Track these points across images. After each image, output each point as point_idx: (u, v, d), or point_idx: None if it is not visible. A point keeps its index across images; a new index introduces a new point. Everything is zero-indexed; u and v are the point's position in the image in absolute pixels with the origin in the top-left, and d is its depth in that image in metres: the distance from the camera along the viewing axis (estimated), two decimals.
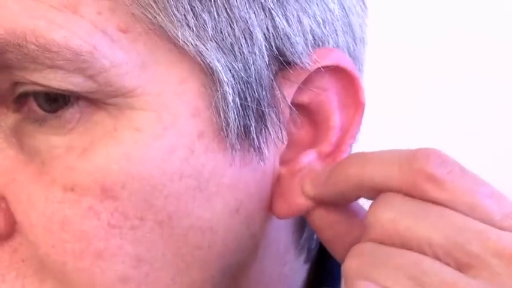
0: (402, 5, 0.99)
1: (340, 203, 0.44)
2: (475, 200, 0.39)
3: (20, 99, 0.42)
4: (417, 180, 0.40)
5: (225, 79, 0.42)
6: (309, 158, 0.45)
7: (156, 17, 0.40)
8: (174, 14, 0.40)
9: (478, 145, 1.01)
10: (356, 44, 0.48)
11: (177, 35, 0.41)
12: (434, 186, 0.39)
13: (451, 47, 0.99)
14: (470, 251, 0.38)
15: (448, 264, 0.38)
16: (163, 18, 0.40)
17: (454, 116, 1.02)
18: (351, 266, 0.40)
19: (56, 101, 0.41)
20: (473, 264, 0.38)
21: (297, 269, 0.50)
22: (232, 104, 0.42)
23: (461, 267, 0.38)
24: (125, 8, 0.40)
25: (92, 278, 0.42)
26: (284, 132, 0.45)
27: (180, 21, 0.41)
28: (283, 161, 0.46)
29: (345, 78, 0.46)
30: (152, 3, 0.40)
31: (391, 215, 0.40)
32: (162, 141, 0.41)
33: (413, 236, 0.39)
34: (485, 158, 1.01)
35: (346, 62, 0.45)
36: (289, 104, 0.44)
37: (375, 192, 0.41)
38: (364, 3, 0.50)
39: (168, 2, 0.40)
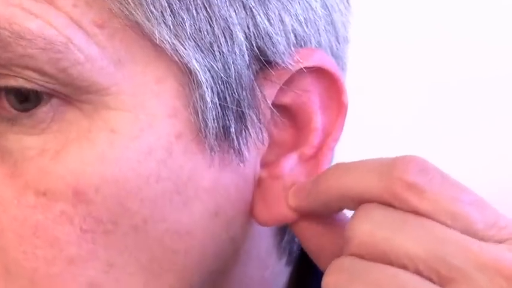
0: (388, 3, 0.98)
1: (323, 215, 0.43)
2: (456, 209, 0.38)
3: None
4: (397, 189, 0.39)
5: (203, 79, 0.41)
6: (290, 162, 0.45)
7: (132, 13, 0.40)
8: (150, 11, 0.40)
9: (468, 147, 1.01)
10: (339, 43, 0.47)
11: (153, 33, 0.40)
12: (414, 195, 0.38)
13: (440, 45, 0.99)
14: (451, 264, 0.37)
15: (429, 278, 0.37)
16: (140, 15, 0.40)
17: (444, 116, 1.01)
18: (329, 282, 0.39)
19: (27, 100, 0.40)
20: (455, 278, 0.37)
21: (279, 272, 0.50)
22: (210, 104, 0.41)
23: (442, 281, 0.37)
24: (102, 2, 0.40)
25: (62, 284, 0.41)
26: (265, 134, 0.44)
27: (156, 19, 0.40)
28: (264, 164, 0.45)
29: (328, 80, 0.45)
30: None
31: (369, 228, 0.39)
32: (138, 142, 0.40)
33: (392, 249, 0.38)
34: (476, 160, 1.00)
35: (328, 63, 0.45)
36: (270, 105, 0.43)
37: (356, 203, 0.40)
38: (347, 1, 0.49)
39: None
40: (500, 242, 0.38)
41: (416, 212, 0.38)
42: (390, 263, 0.38)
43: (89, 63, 0.39)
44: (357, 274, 0.38)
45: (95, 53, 0.39)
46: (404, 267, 0.38)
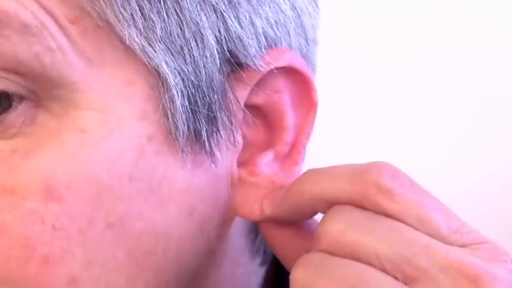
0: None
1: (297, 220, 0.44)
2: (424, 213, 0.39)
3: None
4: (368, 191, 0.40)
5: (173, 82, 0.41)
6: (266, 159, 0.45)
7: (104, 12, 0.40)
8: (120, 12, 0.40)
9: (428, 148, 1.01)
10: (308, 45, 0.48)
11: (124, 34, 0.40)
12: (385, 197, 0.39)
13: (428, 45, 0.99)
14: (417, 264, 0.38)
15: (394, 276, 0.38)
16: (111, 15, 0.40)
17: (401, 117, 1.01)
18: (297, 275, 0.40)
19: None
20: (419, 278, 0.38)
21: (252, 272, 0.50)
22: (180, 107, 0.41)
23: (407, 280, 0.38)
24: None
25: (39, 283, 0.40)
26: (237, 135, 0.44)
27: (127, 21, 0.40)
28: (241, 163, 0.45)
29: (298, 79, 0.45)
30: None
31: (341, 226, 0.40)
32: (108, 143, 0.41)
33: (362, 247, 0.39)
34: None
35: (299, 62, 0.45)
36: (242, 106, 0.44)
37: (329, 206, 0.41)
38: (316, 4, 0.49)
39: None
40: (462, 246, 0.39)
41: (386, 214, 0.39)
42: (358, 260, 0.39)
43: (60, 52, 0.39)
44: (324, 269, 0.39)
45: (66, 45, 0.40)
46: (371, 265, 0.39)
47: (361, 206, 0.40)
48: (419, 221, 0.39)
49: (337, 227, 0.40)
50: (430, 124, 0.99)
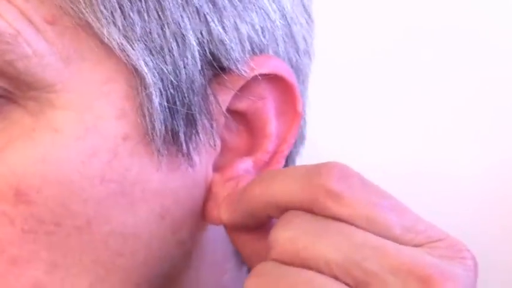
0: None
1: (254, 225, 0.43)
2: (374, 213, 0.39)
3: None
4: (317, 196, 0.39)
5: (152, 81, 0.41)
6: (244, 166, 0.45)
7: (83, 12, 0.40)
8: (100, 11, 0.40)
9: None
10: (299, 56, 0.48)
11: (103, 33, 0.40)
12: (333, 202, 0.39)
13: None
14: (366, 268, 0.37)
15: (346, 282, 0.38)
16: (90, 14, 0.40)
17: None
18: (249, 285, 0.40)
19: None
20: (369, 282, 0.37)
21: (239, 277, 0.49)
22: (158, 106, 0.41)
23: (358, 285, 0.38)
24: (53, 0, 0.40)
25: (6, 285, 0.41)
26: (217, 139, 0.44)
27: (106, 19, 0.40)
28: (217, 168, 0.45)
29: (283, 87, 0.45)
30: None
31: (290, 234, 0.39)
32: (82, 143, 0.41)
33: (311, 254, 0.38)
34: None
35: (284, 70, 0.45)
36: (224, 111, 0.44)
37: (281, 211, 0.41)
38: (309, 16, 0.49)
39: None
40: (418, 245, 0.38)
41: (336, 218, 0.39)
42: (309, 268, 0.38)
43: (37, 58, 0.40)
44: (275, 278, 0.39)
45: (43, 48, 0.40)
46: (321, 272, 0.38)
47: (311, 211, 0.39)
48: (370, 222, 0.38)
49: (287, 235, 0.39)
50: (430, 123, 0.99)
